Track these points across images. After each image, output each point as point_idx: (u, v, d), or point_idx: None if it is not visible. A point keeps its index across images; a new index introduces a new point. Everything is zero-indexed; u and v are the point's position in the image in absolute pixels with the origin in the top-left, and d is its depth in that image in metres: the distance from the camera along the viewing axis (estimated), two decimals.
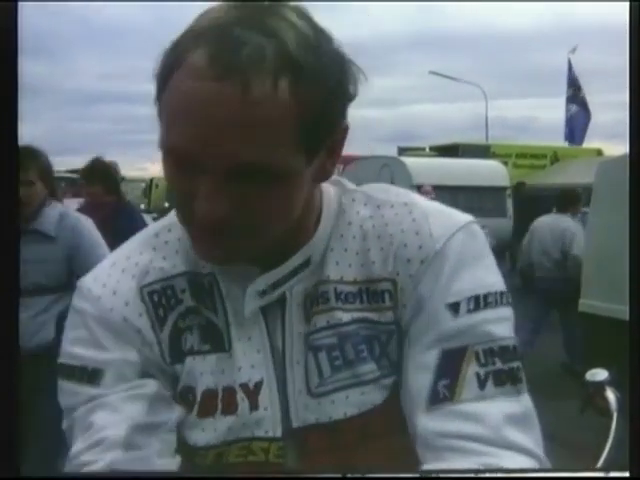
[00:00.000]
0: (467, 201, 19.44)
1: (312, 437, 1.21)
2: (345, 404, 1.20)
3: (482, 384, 1.14)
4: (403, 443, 1.19)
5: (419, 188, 17.19)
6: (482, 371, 1.14)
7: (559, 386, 7.48)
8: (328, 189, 1.28)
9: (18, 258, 1.19)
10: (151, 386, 1.21)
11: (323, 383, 1.21)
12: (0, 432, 1.16)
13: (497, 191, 20.10)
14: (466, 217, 1.25)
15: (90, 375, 1.19)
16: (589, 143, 31.22)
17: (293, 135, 1.05)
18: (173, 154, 1.07)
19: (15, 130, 1.20)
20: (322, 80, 1.06)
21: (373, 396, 1.21)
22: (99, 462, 1.13)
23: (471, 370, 1.14)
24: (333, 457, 1.21)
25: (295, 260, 1.22)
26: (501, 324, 1.19)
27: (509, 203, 20.33)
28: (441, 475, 1.07)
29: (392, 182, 19.64)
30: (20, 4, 1.20)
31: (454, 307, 1.17)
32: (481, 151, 26.07)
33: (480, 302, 1.18)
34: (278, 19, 1.04)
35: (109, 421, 1.16)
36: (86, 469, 1.12)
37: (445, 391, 1.14)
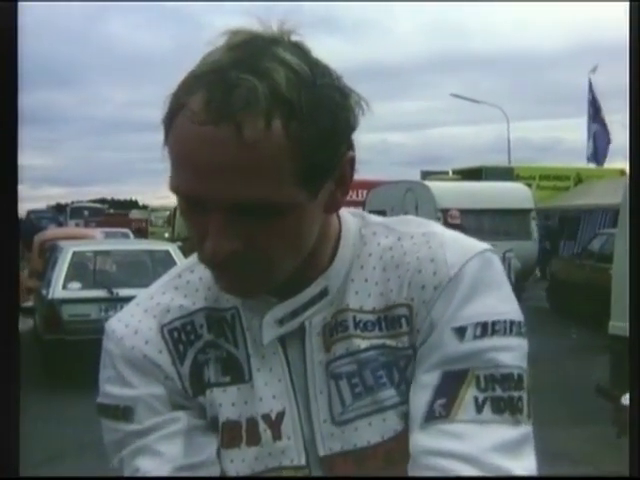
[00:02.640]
0: (492, 224, 19.44)
1: (338, 465, 1.23)
2: (368, 431, 1.22)
3: (479, 408, 1.14)
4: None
5: (444, 212, 17.26)
6: (481, 396, 1.15)
7: (596, 411, 7.40)
8: (348, 220, 1.30)
9: (18, 260, 1.22)
10: (183, 420, 1.25)
11: (346, 411, 1.22)
12: (0, 432, 1.18)
13: (522, 213, 20.06)
14: (483, 245, 1.25)
15: (123, 412, 1.25)
16: (612, 163, 31.20)
17: (290, 172, 1.07)
18: (179, 195, 1.11)
19: (15, 131, 1.23)
20: (316, 117, 1.08)
21: (395, 423, 1.21)
22: None
23: (470, 393, 1.15)
24: None
25: (313, 289, 1.25)
26: (508, 352, 1.18)
27: (534, 225, 20.26)
28: None
29: (416, 206, 19.69)
30: (20, 4, 1.25)
31: (460, 331, 1.17)
32: (505, 174, 26.04)
33: (488, 329, 1.17)
34: (271, 59, 1.06)
35: (151, 467, 1.22)
36: None
37: (441, 410, 1.14)
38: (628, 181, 1.23)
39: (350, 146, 1.17)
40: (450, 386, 1.15)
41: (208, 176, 1.05)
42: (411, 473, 1.15)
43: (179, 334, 1.29)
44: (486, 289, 1.20)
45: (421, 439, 1.14)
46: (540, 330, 14.02)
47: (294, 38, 1.12)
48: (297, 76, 1.07)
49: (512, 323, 1.20)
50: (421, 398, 1.17)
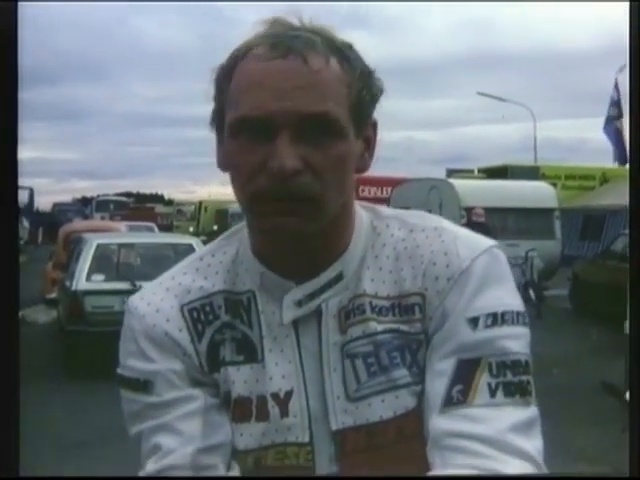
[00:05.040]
0: (516, 223, 19.36)
1: (350, 439, 1.31)
2: (381, 407, 1.30)
3: (493, 393, 1.23)
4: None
5: (469, 210, 17.16)
6: (493, 381, 1.24)
7: (614, 411, 7.39)
8: (361, 213, 1.40)
9: (18, 260, 1.26)
10: (200, 399, 1.34)
11: (360, 388, 1.31)
12: (0, 432, 1.22)
13: (546, 213, 19.98)
14: (490, 241, 1.34)
15: (144, 385, 1.34)
16: None
17: (345, 99, 1.24)
18: (247, 123, 1.22)
19: (15, 132, 1.27)
20: (359, 68, 1.27)
21: (406, 400, 1.30)
22: None
23: (484, 379, 1.24)
24: (369, 457, 1.31)
25: (328, 274, 1.34)
26: (516, 340, 1.28)
27: (558, 225, 20.16)
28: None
29: (440, 204, 19.64)
30: (20, 4, 1.29)
31: (474, 321, 1.27)
32: (530, 173, 25.91)
33: (498, 319, 1.27)
34: (319, 31, 1.26)
35: (173, 445, 1.30)
36: None
37: (459, 395, 1.23)
38: (628, 181, 1.27)
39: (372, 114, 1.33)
40: (465, 373, 1.25)
41: (282, 96, 1.19)
42: (432, 454, 1.23)
43: (198, 314, 1.38)
44: (495, 282, 1.30)
45: (441, 423, 1.23)
46: (562, 330, 14.03)
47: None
48: (342, 41, 1.27)
49: (518, 314, 1.30)
50: (439, 385, 1.26)
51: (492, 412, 1.22)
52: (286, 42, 1.21)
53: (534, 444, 1.22)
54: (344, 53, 1.25)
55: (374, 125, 1.34)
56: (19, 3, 1.30)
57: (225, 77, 1.26)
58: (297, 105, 1.19)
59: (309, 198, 1.22)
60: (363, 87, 1.26)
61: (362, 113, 1.27)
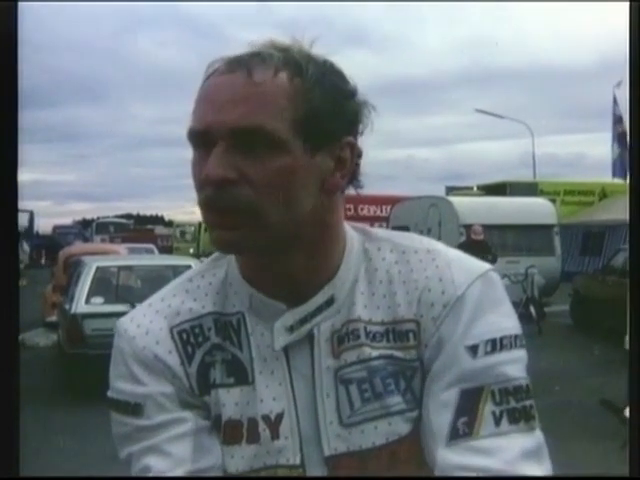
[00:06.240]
0: (515, 239, 19.38)
1: (342, 465, 1.30)
2: (374, 434, 1.30)
3: (497, 421, 1.23)
4: (427, 471, 1.27)
5: (468, 227, 17.17)
6: (497, 409, 1.24)
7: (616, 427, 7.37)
8: (351, 234, 1.39)
9: (18, 259, 1.25)
10: (190, 421, 1.33)
11: (354, 414, 1.30)
12: (0, 432, 1.21)
13: (545, 229, 19.99)
14: (485, 265, 1.35)
15: (133, 408, 1.33)
16: None
17: (289, 114, 1.21)
18: (192, 135, 1.24)
19: (15, 132, 1.27)
20: (319, 84, 1.24)
21: (399, 427, 1.30)
22: None
23: (487, 408, 1.24)
24: None
25: (320, 297, 1.33)
26: (515, 365, 1.28)
27: (557, 241, 20.16)
28: None
29: (440, 222, 19.68)
30: (20, 4, 1.29)
31: (473, 349, 1.26)
32: (529, 189, 25.99)
33: (497, 345, 1.27)
34: (292, 47, 1.26)
35: (163, 468, 1.29)
36: None
37: (465, 428, 1.23)
38: (628, 184, 1.27)
39: (354, 136, 1.30)
40: (469, 404, 1.24)
41: (219, 108, 1.20)
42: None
43: (188, 336, 1.37)
44: (491, 307, 1.30)
45: (449, 456, 1.23)
46: (563, 346, 14.01)
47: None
48: (309, 55, 1.26)
49: (516, 337, 1.30)
50: (443, 417, 1.25)
51: (499, 442, 1.22)
52: (243, 58, 1.23)
53: (544, 467, 1.22)
54: (301, 69, 1.23)
55: (351, 145, 1.29)
56: (19, 3, 1.30)
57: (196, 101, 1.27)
58: (231, 117, 1.19)
59: (245, 210, 1.21)
60: (320, 104, 1.23)
61: (316, 129, 1.23)
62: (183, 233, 45.74)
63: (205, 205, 1.24)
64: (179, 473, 1.28)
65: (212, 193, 1.21)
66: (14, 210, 1.29)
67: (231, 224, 1.22)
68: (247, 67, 1.21)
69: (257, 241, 1.24)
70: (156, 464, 1.30)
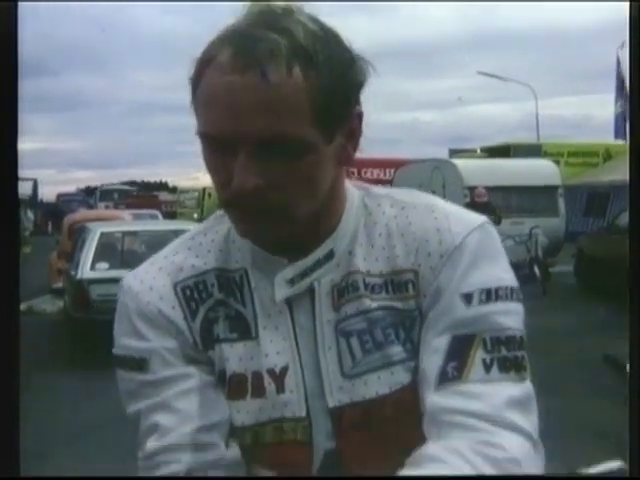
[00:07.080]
0: (519, 201, 19.33)
1: (347, 415, 1.31)
2: (377, 384, 1.30)
3: (488, 368, 1.24)
4: None
5: (472, 190, 17.14)
6: (488, 357, 1.24)
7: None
8: (352, 190, 1.40)
9: (18, 259, 1.26)
10: (196, 377, 1.34)
11: (356, 365, 1.31)
12: (0, 432, 1.22)
13: (549, 190, 19.91)
14: (482, 218, 1.35)
15: (138, 363, 1.34)
16: None
17: (308, 112, 1.19)
18: (209, 138, 1.21)
19: (15, 131, 1.27)
20: (330, 67, 1.20)
21: (401, 376, 1.30)
22: (174, 464, 1.29)
23: (479, 355, 1.24)
24: (367, 432, 1.31)
25: (319, 252, 1.34)
26: (509, 316, 1.28)
27: (561, 202, 20.11)
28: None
29: (444, 185, 19.61)
30: (20, 4, 1.29)
31: (467, 297, 1.27)
32: (533, 151, 25.88)
33: (492, 294, 1.28)
34: (290, 20, 1.20)
35: (171, 424, 1.30)
36: (164, 468, 1.29)
37: (454, 372, 1.24)
38: (628, 178, 1.27)
39: (358, 102, 1.29)
40: (460, 349, 1.25)
41: (238, 116, 1.16)
42: (428, 429, 1.24)
43: (191, 292, 1.38)
44: (488, 258, 1.31)
45: (437, 399, 1.23)
46: (567, 306, 14.01)
47: (308, 11, 1.24)
48: (312, 34, 1.20)
49: (512, 289, 1.31)
50: (434, 361, 1.26)
51: (487, 388, 1.22)
52: (248, 51, 1.16)
53: (530, 419, 1.23)
54: (311, 58, 1.18)
55: (359, 115, 1.29)
56: (19, 3, 1.30)
57: (195, 80, 1.23)
58: (253, 126, 1.16)
59: (277, 211, 1.23)
60: (333, 88, 1.20)
61: (332, 115, 1.22)
62: (187, 199, 45.70)
63: (234, 207, 1.25)
64: (188, 429, 1.29)
65: (243, 201, 1.21)
66: (14, 178, 1.29)
67: (261, 220, 1.24)
68: (259, 65, 1.15)
69: (286, 231, 1.27)
70: (164, 420, 1.30)
